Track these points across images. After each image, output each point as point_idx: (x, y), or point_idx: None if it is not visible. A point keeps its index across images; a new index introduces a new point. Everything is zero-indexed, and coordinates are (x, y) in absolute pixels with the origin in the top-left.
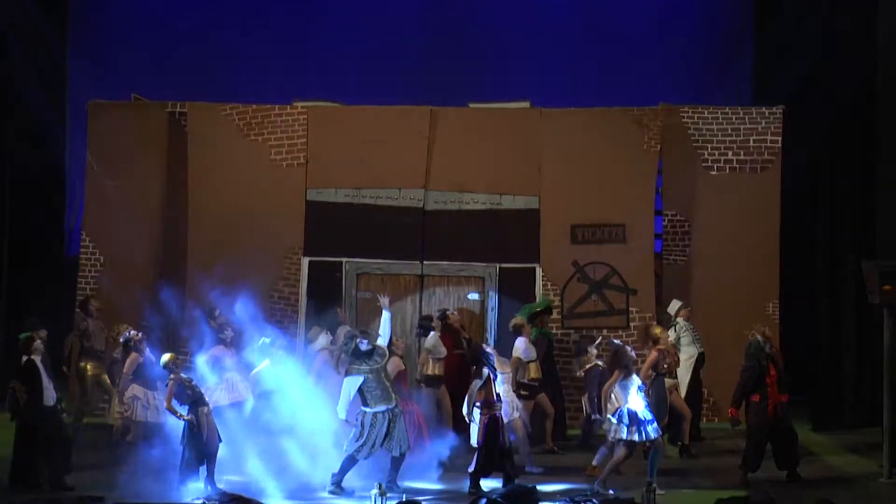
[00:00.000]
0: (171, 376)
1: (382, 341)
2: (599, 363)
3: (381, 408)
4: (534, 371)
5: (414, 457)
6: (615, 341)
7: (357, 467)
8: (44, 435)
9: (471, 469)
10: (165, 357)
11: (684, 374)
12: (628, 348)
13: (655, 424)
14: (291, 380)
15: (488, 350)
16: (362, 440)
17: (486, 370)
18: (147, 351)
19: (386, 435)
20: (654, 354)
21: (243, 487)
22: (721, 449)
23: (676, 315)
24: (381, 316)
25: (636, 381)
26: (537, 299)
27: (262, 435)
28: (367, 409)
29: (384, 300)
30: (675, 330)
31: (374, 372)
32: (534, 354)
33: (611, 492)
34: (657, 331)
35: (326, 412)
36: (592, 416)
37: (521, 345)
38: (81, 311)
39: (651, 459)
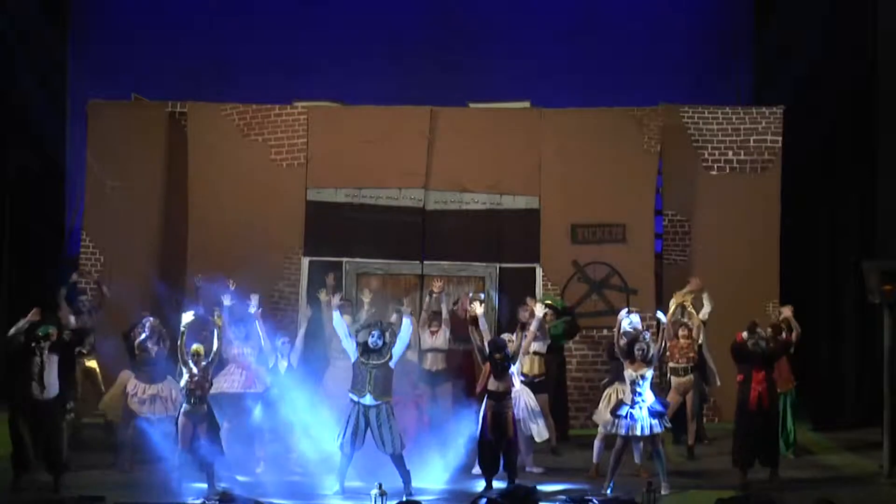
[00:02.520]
0: (190, 366)
1: (398, 348)
2: None
3: (354, 396)
4: (536, 367)
5: (414, 456)
6: (646, 334)
7: (357, 467)
8: (32, 426)
9: (475, 469)
10: (193, 347)
11: None
12: (647, 336)
13: (656, 421)
14: (296, 380)
15: (504, 340)
16: (341, 429)
17: (488, 364)
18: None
19: (366, 430)
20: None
21: (243, 487)
22: (721, 449)
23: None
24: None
25: (643, 372)
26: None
27: (266, 433)
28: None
29: (406, 309)
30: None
31: (364, 366)
32: (538, 348)
33: (609, 492)
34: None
35: (332, 412)
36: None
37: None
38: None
39: (655, 461)
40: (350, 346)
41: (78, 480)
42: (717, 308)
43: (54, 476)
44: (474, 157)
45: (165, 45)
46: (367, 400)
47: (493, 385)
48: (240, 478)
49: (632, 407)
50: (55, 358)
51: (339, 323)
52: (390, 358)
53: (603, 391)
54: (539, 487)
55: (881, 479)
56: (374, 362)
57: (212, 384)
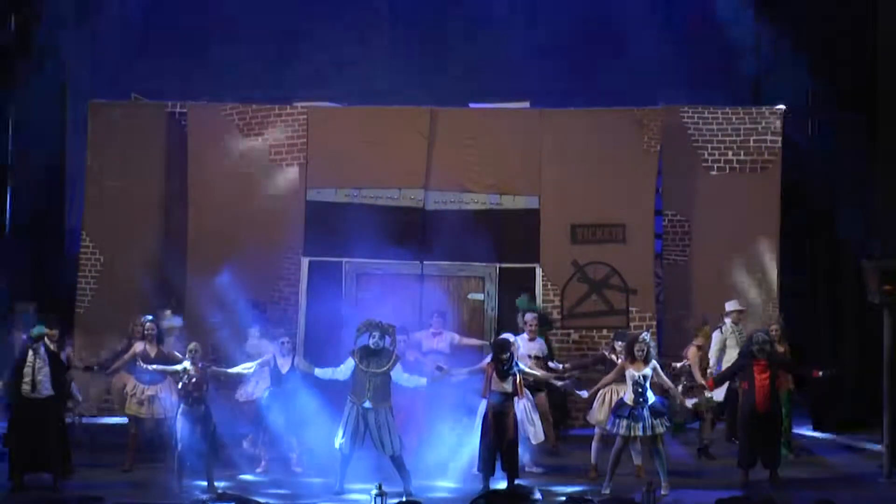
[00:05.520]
0: (186, 366)
1: (409, 382)
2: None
3: (352, 399)
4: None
5: (415, 457)
6: (645, 334)
7: (358, 468)
8: (26, 425)
9: (476, 469)
10: (190, 346)
11: None
12: (646, 335)
13: (657, 421)
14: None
15: (510, 341)
16: (340, 430)
17: (487, 363)
18: (145, 345)
19: (366, 432)
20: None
21: (243, 487)
22: (721, 449)
23: (725, 316)
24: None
25: (645, 371)
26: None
27: (267, 433)
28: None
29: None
30: (722, 331)
31: (363, 372)
32: (545, 350)
33: (608, 491)
34: (701, 330)
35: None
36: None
37: (524, 341)
38: None
39: (655, 461)
40: (343, 373)
41: (78, 480)
42: (717, 308)
43: (54, 476)
44: (474, 157)
45: (165, 45)
46: (366, 404)
47: (496, 385)
48: (240, 478)
49: (633, 407)
50: (48, 358)
51: (324, 373)
52: (391, 368)
53: (598, 391)
54: (539, 487)
55: (881, 479)
56: (375, 370)
57: (208, 385)
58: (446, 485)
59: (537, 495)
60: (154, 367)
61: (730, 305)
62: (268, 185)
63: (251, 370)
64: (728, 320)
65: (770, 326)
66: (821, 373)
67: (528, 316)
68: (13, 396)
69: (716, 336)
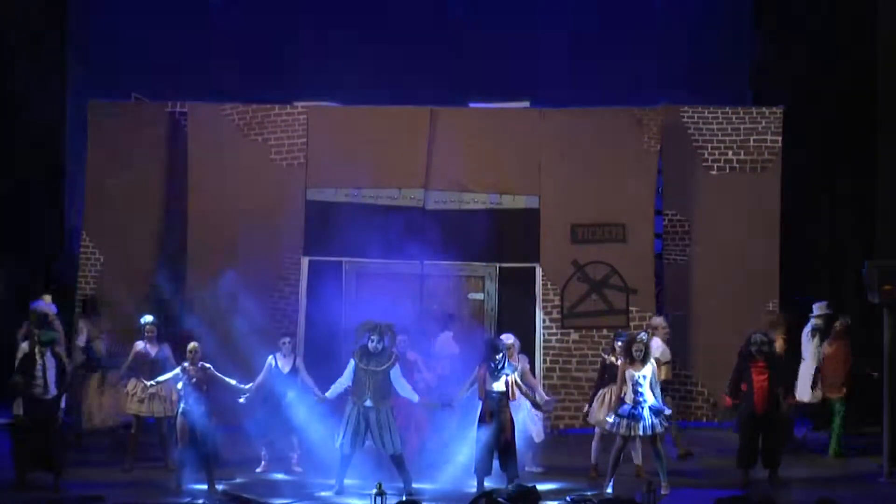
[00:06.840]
0: (186, 366)
1: (402, 389)
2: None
3: (353, 399)
4: (664, 373)
5: (415, 457)
6: (643, 334)
7: (358, 467)
8: (33, 425)
9: (473, 469)
10: (190, 346)
11: None
12: (643, 335)
13: (657, 421)
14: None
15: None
16: (341, 430)
17: (478, 365)
18: (145, 345)
19: (367, 432)
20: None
21: (243, 487)
22: (721, 449)
23: (813, 318)
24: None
25: (644, 371)
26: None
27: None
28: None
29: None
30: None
31: (364, 371)
32: (669, 356)
33: (609, 491)
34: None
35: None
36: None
37: (656, 345)
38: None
39: (655, 461)
40: (348, 379)
41: (78, 480)
42: (717, 307)
43: (54, 476)
44: (474, 157)
45: (165, 45)
46: (367, 403)
47: (489, 386)
48: (240, 478)
49: (633, 407)
50: (53, 361)
51: (334, 391)
52: (391, 367)
53: (597, 391)
54: (539, 487)
55: (881, 479)
56: (375, 368)
57: (208, 385)
58: (446, 484)
59: (537, 495)
60: (157, 380)
61: (818, 308)
62: (268, 185)
63: (249, 388)
64: (819, 322)
65: (840, 324)
66: (794, 401)
67: (658, 319)
68: (22, 397)
69: (806, 339)
